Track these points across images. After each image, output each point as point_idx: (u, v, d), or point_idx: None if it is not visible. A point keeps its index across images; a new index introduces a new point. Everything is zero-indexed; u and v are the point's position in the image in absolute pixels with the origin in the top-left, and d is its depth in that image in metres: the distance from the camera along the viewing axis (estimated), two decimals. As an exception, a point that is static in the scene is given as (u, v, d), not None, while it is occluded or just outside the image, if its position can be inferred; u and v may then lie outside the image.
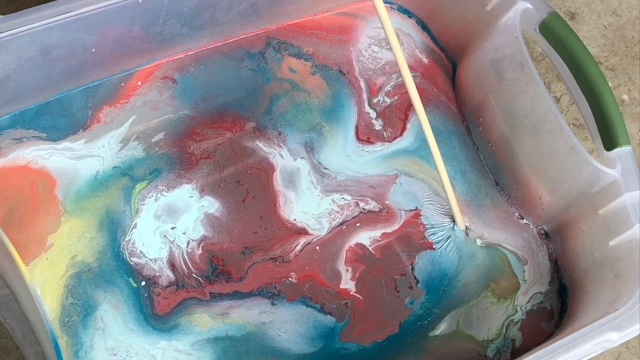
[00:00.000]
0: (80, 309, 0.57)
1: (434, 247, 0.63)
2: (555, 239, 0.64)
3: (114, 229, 0.59)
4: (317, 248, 0.61)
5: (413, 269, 0.62)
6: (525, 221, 0.65)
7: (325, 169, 0.64)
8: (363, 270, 0.61)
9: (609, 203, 0.57)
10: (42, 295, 0.57)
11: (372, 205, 0.63)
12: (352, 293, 0.60)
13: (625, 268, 0.56)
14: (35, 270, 0.57)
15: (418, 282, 0.61)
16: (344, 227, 0.62)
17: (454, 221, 0.63)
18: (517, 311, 0.62)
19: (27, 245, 0.58)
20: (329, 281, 0.60)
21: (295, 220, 0.62)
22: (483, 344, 0.61)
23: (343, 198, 0.63)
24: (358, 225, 0.62)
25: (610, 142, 0.56)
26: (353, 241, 0.62)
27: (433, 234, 0.63)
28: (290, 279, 0.60)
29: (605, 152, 0.56)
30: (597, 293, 0.58)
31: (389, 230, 0.63)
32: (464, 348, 0.60)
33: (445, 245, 0.63)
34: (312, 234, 0.62)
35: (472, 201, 0.65)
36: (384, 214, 0.63)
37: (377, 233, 0.62)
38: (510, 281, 0.63)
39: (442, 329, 0.61)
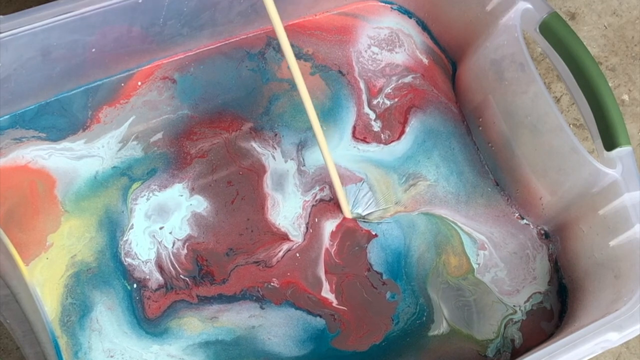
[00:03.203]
0: (77, 309, 0.57)
1: (374, 233, 0.62)
2: (555, 239, 0.64)
3: (113, 228, 0.59)
4: (298, 254, 0.61)
5: (371, 265, 0.62)
6: (525, 221, 0.65)
7: (304, 166, 0.64)
8: (336, 281, 0.61)
9: (609, 203, 0.57)
10: (42, 295, 0.57)
11: (325, 193, 0.63)
12: (335, 305, 0.60)
13: (625, 268, 0.56)
14: (35, 269, 0.57)
15: (381, 275, 0.61)
16: (311, 231, 0.62)
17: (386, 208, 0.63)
18: (516, 311, 0.62)
19: (27, 245, 0.58)
20: (310, 288, 0.60)
21: (279, 224, 0.62)
22: (483, 344, 0.60)
23: (312, 193, 0.63)
24: (316, 220, 0.62)
25: (610, 142, 0.56)
26: (324, 244, 0.61)
27: (365, 222, 0.63)
28: (272, 284, 0.60)
29: (605, 152, 0.56)
30: (597, 293, 0.58)
31: (334, 224, 0.62)
32: (463, 348, 0.60)
33: (384, 228, 0.63)
34: (292, 240, 0.61)
35: (460, 198, 0.65)
36: (331, 204, 0.63)
37: (331, 226, 0.62)
38: (461, 259, 0.63)
39: (437, 324, 0.60)
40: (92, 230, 0.59)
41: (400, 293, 0.61)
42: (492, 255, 0.63)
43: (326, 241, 0.62)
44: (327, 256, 0.61)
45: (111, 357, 0.56)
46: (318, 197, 0.63)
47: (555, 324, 0.62)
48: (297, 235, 0.61)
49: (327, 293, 0.60)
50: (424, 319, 0.61)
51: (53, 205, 0.59)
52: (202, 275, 0.59)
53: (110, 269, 0.58)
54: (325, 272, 0.61)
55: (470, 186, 0.66)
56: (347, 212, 0.62)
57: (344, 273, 0.61)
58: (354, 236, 0.62)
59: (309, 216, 0.62)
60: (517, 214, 0.65)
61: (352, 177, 0.64)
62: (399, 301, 0.61)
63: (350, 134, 0.66)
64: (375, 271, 0.61)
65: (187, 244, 0.60)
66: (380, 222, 0.63)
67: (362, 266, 0.61)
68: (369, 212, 0.63)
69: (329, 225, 0.62)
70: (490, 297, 0.62)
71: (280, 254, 0.61)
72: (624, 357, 0.67)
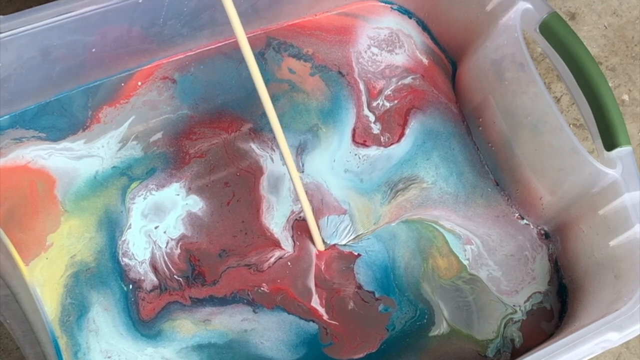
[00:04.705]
0: (76, 309, 0.57)
1: (356, 253, 0.62)
2: (555, 239, 0.64)
3: (112, 228, 0.59)
4: (289, 263, 0.61)
5: (361, 285, 0.61)
6: (525, 221, 0.65)
7: (301, 172, 0.63)
8: (326, 296, 0.60)
9: (609, 203, 0.57)
10: (41, 295, 0.57)
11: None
12: (326, 319, 0.59)
13: (625, 268, 0.56)
14: (35, 269, 0.57)
15: (374, 293, 0.61)
16: (298, 243, 0.62)
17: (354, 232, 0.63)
18: (516, 311, 0.62)
19: (27, 245, 0.58)
20: (300, 297, 0.60)
21: (272, 229, 0.61)
22: (483, 344, 0.60)
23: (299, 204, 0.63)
24: (299, 233, 0.62)
25: (610, 142, 0.56)
26: (313, 258, 0.61)
27: (343, 246, 0.63)
28: (262, 289, 0.60)
29: (605, 152, 0.56)
30: (597, 293, 0.58)
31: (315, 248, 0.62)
32: (463, 348, 0.60)
33: (364, 245, 0.62)
34: (284, 249, 0.61)
35: (459, 199, 0.65)
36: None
37: (313, 247, 0.62)
38: (449, 259, 0.62)
39: (437, 325, 0.60)
40: (91, 230, 0.59)
41: (395, 306, 0.61)
42: (482, 256, 0.63)
43: (314, 257, 0.61)
44: (318, 270, 0.61)
45: (108, 357, 0.56)
46: (302, 215, 0.62)
47: (555, 324, 0.62)
48: (287, 245, 0.61)
49: (317, 305, 0.60)
50: (425, 321, 0.60)
51: (53, 205, 0.59)
52: (194, 276, 0.59)
53: (108, 270, 0.58)
54: (316, 285, 0.60)
55: (470, 186, 0.66)
56: (320, 245, 0.62)
57: (333, 288, 0.61)
58: (338, 258, 0.62)
59: (292, 229, 0.62)
60: (517, 214, 0.65)
61: (336, 208, 0.63)
62: (392, 312, 0.60)
63: (349, 138, 0.65)
64: (367, 290, 0.61)
65: (180, 243, 0.60)
66: (360, 240, 0.63)
67: (352, 285, 0.61)
68: (346, 241, 0.63)
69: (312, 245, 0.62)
70: (489, 296, 0.62)
71: (272, 259, 0.61)
72: (624, 357, 0.67)
